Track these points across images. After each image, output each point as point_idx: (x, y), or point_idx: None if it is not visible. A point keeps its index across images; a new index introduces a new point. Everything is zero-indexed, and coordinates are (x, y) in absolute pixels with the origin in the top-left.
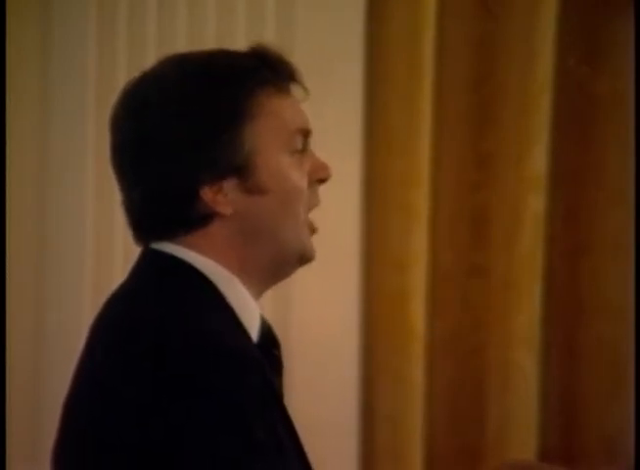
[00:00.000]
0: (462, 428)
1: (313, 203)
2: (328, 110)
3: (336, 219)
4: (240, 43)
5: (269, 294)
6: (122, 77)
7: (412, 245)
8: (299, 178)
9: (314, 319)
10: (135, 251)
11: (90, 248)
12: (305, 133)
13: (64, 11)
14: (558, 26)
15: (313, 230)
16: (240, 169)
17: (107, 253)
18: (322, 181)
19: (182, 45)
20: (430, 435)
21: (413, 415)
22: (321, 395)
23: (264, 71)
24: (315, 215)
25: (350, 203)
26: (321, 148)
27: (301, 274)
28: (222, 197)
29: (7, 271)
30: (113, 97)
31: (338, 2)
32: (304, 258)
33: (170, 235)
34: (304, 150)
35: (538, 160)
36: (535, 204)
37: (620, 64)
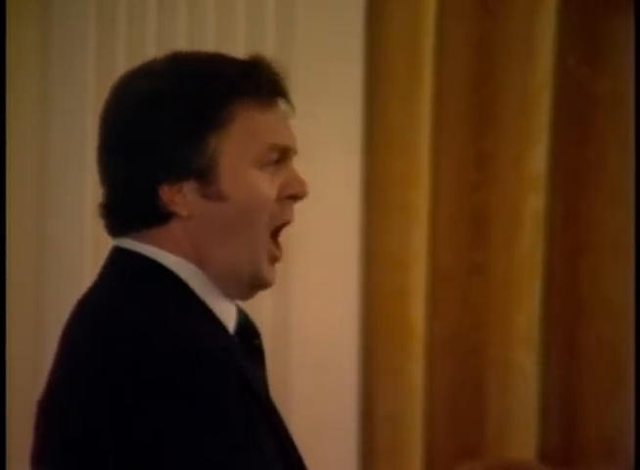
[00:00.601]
0: (462, 427)
1: (282, 218)
2: (328, 110)
3: (336, 219)
4: (240, 43)
5: (269, 294)
6: None
7: (412, 244)
8: (265, 191)
9: (314, 319)
10: None
11: (90, 248)
12: (282, 150)
13: (63, 11)
14: (558, 26)
15: (274, 258)
16: (201, 174)
17: (106, 253)
18: (295, 198)
19: (182, 45)
20: (429, 434)
21: (413, 415)
22: (321, 394)
23: (249, 84)
24: (316, 215)
25: (350, 202)
26: (321, 148)
27: (302, 273)
28: (181, 198)
29: (7, 271)
30: None
31: (337, 2)
32: (257, 282)
33: (134, 230)
34: (280, 164)
35: (538, 159)
36: (535, 203)
37: (620, 64)
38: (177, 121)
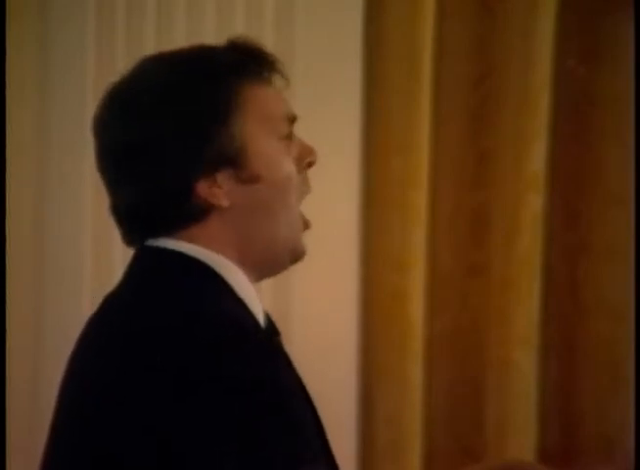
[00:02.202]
0: (460, 427)
1: (305, 190)
2: (327, 109)
3: (335, 219)
4: None
5: (269, 293)
6: None
7: (411, 244)
8: (289, 164)
9: (314, 319)
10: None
11: (89, 249)
12: (291, 119)
13: (62, 12)
14: (557, 25)
15: (307, 225)
16: (232, 160)
17: (106, 254)
18: (310, 165)
19: (181, 46)
20: (428, 434)
21: (412, 414)
22: (320, 394)
23: (245, 64)
24: (315, 215)
25: (350, 202)
26: (321, 148)
27: (301, 274)
28: (217, 189)
29: (7, 271)
30: None
31: (336, 3)
32: (296, 255)
33: (168, 231)
34: (290, 136)
35: (537, 159)
36: (534, 203)
37: (620, 63)
38: (199, 116)
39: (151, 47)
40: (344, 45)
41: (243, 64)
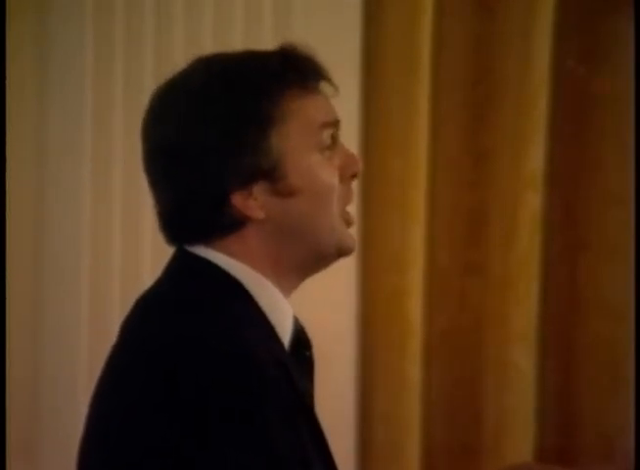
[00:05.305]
0: (459, 426)
1: (348, 198)
2: None
3: None
4: (237, 48)
5: None
6: (120, 80)
7: (410, 243)
8: (330, 176)
9: (312, 318)
10: (133, 254)
11: (88, 249)
12: (332, 125)
13: (62, 12)
14: (556, 25)
15: (349, 223)
16: (269, 173)
17: (104, 254)
18: (354, 175)
19: (179, 50)
20: (427, 433)
21: (410, 413)
22: (319, 393)
23: (289, 73)
24: None
25: None
26: None
27: None
28: (253, 201)
29: (7, 273)
30: (110, 101)
31: (335, 3)
32: (342, 251)
33: (205, 239)
34: (334, 144)
35: (536, 158)
36: (533, 202)
37: (619, 63)
38: (238, 126)
39: (150, 47)
40: (344, 45)
41: (288, 74)
